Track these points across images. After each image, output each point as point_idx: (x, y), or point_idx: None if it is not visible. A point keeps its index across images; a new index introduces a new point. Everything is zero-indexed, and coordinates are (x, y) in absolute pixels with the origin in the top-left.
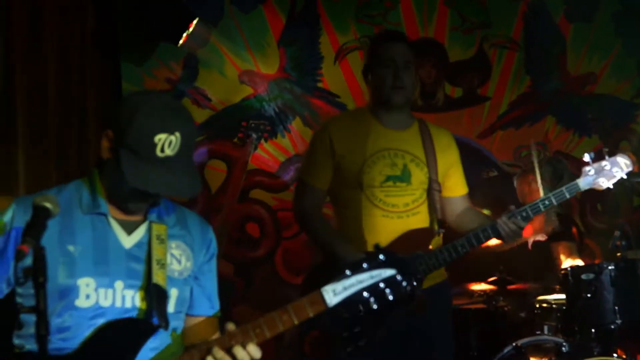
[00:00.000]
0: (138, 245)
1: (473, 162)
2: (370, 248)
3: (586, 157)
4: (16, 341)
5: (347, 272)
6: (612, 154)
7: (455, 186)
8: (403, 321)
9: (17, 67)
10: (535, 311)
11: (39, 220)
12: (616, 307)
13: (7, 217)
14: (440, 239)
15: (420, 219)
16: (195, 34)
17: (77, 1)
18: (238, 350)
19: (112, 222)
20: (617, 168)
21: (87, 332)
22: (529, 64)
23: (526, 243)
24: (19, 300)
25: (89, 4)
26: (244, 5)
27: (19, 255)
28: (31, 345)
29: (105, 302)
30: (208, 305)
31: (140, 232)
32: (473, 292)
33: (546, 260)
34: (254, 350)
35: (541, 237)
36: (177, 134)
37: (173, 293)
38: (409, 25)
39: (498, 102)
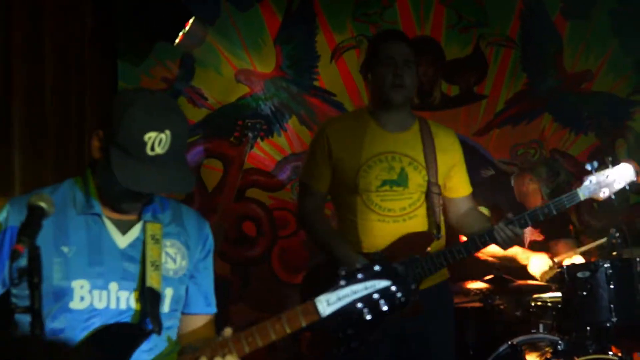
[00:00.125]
0: (133, 244)
1: (469, 160)
2: (366, 250)
3: (588, 167)
4: None
5: (342, 282)
6: (615, 163)
7: (458, 187)
8: (401, 324)
9: (16, 66)
10: (531, 309)
11: (34, 220)
12: (612, 305)
13: (2, 216)
14: (444, 241)
15: (417, 223)
16: (192, 32)
17: (76, 1)
18: None
19: (107, 222)
20: (619, 178)
21: (81, 334)
22: (526, 62)
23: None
24: (13, 300)
25: (88, 4)
26: (240, 3)
27: (14, 255)
28: None
29: (100, 304)
30: (204, 303)
31: (135, 232)
32: (469, 290)
33: None
34: None
35: (538, 237)
36: (167, 131)
37: (168, 292)
38: (406, 24)
39: (495, 100)
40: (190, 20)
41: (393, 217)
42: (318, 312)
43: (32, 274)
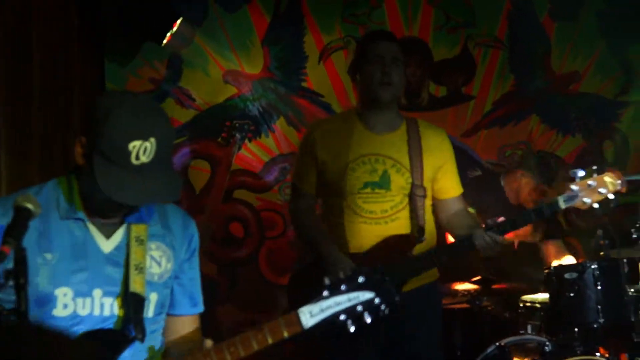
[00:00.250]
0: (117, 248)
1: (457, 161)
2: (353, 251)
3: (572, 175)
4: None
5: (325, 293)
6: (601, 171)
7: (448, 188)
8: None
9: (1, 66)
10: (519, 310)
11: (20, 221)
12: (599, 306)
13: None
14: (434, 242)
15: (399, 225)
16: (180, 33)
17: (63, 1)
18: None
19: (91, 227)
20: (603, 188)
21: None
22: (513, 63)
23: (512, 243)
24: None
25: (74, 4)
26: (228, 4)
27: (0, 257)
28: None
29: (83, 311)
30: (189, 304)
31: (119, 235)
32: (457, 291)
33: (534, 259)
34: None
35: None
36: (152, 139)
37: (152, 298)
38: (394, 24)
39: (482, 101)
40: (178, 21)
41: (375, 219)
42: (301, 323)
43: (19, 275)
